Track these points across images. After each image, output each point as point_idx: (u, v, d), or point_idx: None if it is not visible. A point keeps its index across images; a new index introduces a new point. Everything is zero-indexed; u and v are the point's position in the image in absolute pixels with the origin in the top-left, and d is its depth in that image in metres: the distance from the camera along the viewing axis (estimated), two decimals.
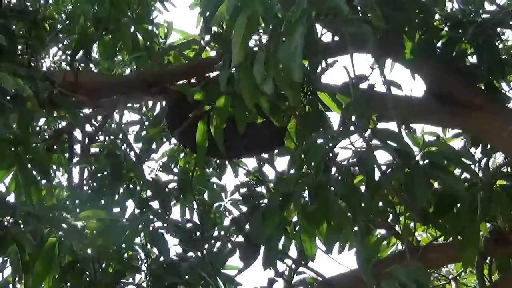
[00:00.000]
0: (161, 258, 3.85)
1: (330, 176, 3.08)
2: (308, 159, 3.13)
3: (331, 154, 3.09)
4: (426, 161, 2.96)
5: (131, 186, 4.28)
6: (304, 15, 2.51)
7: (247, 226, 4.02)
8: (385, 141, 2.95)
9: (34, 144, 3.61)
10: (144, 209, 4.13)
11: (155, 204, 4.28)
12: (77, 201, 4.18)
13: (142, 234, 3.92)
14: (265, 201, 4.28)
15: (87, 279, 3.55)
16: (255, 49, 2.85)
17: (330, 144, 3.04)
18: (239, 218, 4.20)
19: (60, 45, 5.10)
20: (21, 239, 3.14)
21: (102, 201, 4.14)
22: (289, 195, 3.19)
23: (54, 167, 5.27)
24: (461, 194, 2.97)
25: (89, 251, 3.50)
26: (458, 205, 3.22)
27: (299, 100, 3.52)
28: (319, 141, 3.13)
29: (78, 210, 3.76)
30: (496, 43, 3.85)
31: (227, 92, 3.26)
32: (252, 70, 2.81)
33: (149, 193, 4.42)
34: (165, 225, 3.97)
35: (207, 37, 4.58)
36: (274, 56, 2.65)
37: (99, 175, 4.19)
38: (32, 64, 4.00)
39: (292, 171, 4.19)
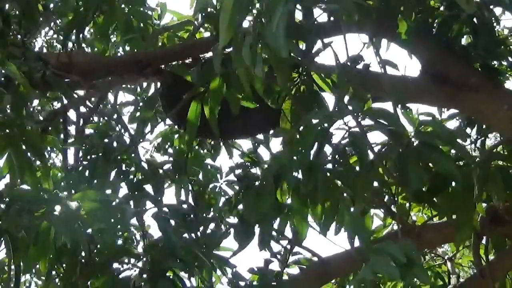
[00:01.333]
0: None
1: (323, 156, 3.07)
2: (301, 138, 3.12)
3: (326, 134, 3.08)
4: (419, 141, 2.95)
5: (124, 168, 4.26)
6: None
7: (240, 207, 4.04)
8: (378, 121, 2.94)
9: (28, 127, 3.58)
10: (136, 192, 4.11)
11: (148, 187, 4.28)
12: (71, 182, 4.18)
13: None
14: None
15: (82, 260, 3.56)
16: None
17: (326, 124, 3.03)
18: (231, 198, 4.20)
19: (52, 24, 5.05)
20: (13, 231, 3.15)
21: (95, 182, 4.13)
22: (281, 174, 3.18)
23: (49, 148, 5.26)
24: (453, 175, 2.96)
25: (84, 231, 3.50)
26: (453, 184, 3.23)
27: (287, 81, 3.50)
28: (314, 121, 3.11)
29: (72, 191, 3.77)
30: (492, 24, 3.84)
31: (221, 74, 3.23)
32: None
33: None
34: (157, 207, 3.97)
35: (201, 18, 4.55)
36: (262, 36, 2.63)
37: (92, 156, 4.18)
38: (25, 44, 3.97)
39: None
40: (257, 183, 3.97)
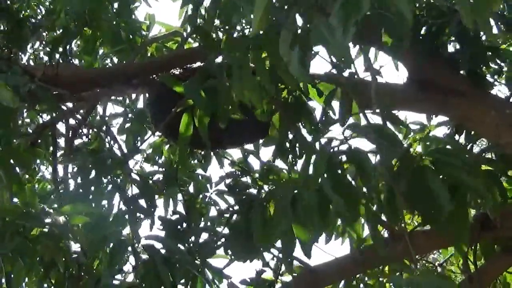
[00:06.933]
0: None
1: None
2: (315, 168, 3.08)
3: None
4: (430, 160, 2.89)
5: (118, 181, 4.25)
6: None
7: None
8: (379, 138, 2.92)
9: (16, 141, 3.57)
10: (130, 206, 4.10)
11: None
12: (63, 195, 4.18)
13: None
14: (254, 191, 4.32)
15: (72, 273, 3.55)
16: None
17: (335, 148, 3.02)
18: (229, 213, 4.20)
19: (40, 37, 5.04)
20: None
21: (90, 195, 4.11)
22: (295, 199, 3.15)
23: (38, 161, 5.24)
24: (479, 191, 2.91)
25: (73, 245, 3.50)
26: None
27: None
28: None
29: (64, 203, 3.76)
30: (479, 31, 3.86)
31: (208, 87, 3.24)
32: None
33: (135, 188, 4.37)
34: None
35: (189, 29, 4.56)
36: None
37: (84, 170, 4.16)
38: (11, 59, 3.96)
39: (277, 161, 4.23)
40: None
